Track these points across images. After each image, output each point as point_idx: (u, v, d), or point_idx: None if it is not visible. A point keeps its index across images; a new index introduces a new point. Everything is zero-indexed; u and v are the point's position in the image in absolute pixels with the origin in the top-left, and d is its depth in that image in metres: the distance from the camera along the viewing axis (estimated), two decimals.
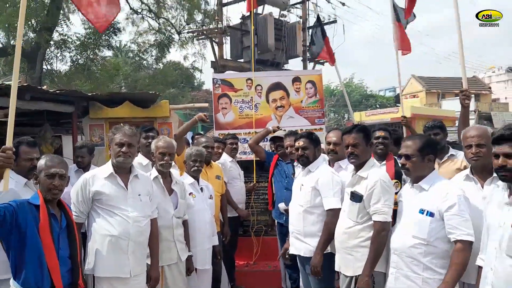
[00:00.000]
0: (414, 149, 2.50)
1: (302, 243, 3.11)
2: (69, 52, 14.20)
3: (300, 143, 3.19)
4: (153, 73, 15.21)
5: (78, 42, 13.91)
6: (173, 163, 4.35)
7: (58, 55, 14.23)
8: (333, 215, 2.95)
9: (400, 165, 2.52)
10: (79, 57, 14.21)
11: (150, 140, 3.68)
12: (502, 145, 2.00)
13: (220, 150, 4.72)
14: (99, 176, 2.79)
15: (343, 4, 13.69)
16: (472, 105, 19.84)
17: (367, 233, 2.67)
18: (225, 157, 4.90)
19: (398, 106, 26.14)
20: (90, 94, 5.51)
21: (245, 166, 5.30)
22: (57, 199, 2.48)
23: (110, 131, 2.93)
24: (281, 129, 5.10)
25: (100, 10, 2.98)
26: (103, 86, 13.89)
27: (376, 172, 2.73)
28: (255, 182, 5.33)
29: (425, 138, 2.62)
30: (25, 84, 4.39)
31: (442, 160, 3.66)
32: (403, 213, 2.56)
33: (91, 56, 14.25)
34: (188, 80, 26.90)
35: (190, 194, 3.64)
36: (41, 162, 2.49)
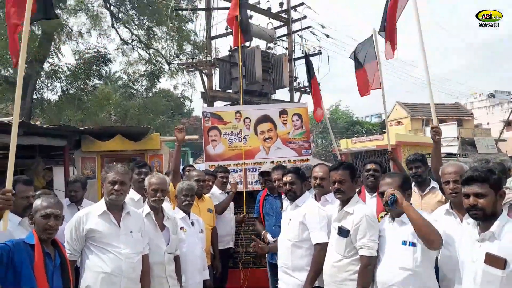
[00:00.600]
0: (396, 186, 2.66)
1: (290, 277, 3.21)
2: (60, 82, 14.31)
3: (288, 178, 3.33)
4: (143, 102, 15.34)
5: (68, 72, 14.05)
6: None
7: (49, 85, 14.35)
8: (320, 249, 3.07)
9: (384, 202, 2.65)
10: (69, 87, 14.32)
11: (143, 176, 3.78)
12: (472, 185, 2.18)
13: (210, 183, 4.81)
14: (93, 214, 2.89)
15: (328, 36, 14.22)
16: (455, 131, 20.40)
17: (355, 267, 2.79)
18: (215, 190, 4.99)
19: (384, 132, 26.67)
20: (82, 128, 5.61)
21: (236, 197, 5.38)
22: (51, 239, 2.56)
23: (103, 169, 3.04)
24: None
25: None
26: (93, 115, 13.95)
27: (362, 208, 2.87)
28: (245, 213, 5.40)
29: (403, 175, 2.79)
30: (19, 120, 4.46)
31: (424, 193, 3.81)
32: (386, 247, 2.69)
33: (81, 86, 14.38)
34: (178, 108, 27.14)
35: (181, 228, 3.71)
36: (37, 202, 2.58)
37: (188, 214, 3.83)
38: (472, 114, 32.90)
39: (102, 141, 5.83)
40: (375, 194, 3.63)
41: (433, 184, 3.82)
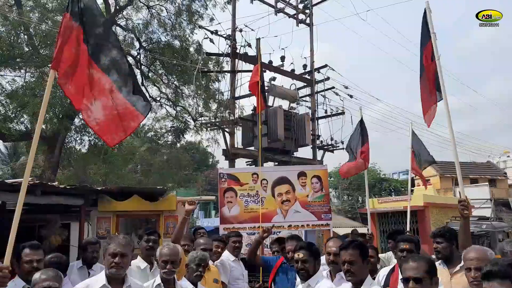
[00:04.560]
0: (423, 271, 2.40)
1: None
2: (88, 136, 14.85)
3: (300, 255, 3.12)
4: (167, 157, 15.60)
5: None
6: None
7: (77, 139, 14.89)
8: None
9: None
10: (97, 141, 14.81)
11: (151, 244, 3.69)
12: (491, 281, 1.96)
13: (219, 250, 4.62)
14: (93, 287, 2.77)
15: (351, 96, 14.32)
16: (487, 193, 19.46)
17: None
18: (227, 256, 4.77)
19: (412, 191, 25.80)
20: (99, 188, 5.65)
21: (250, 264, 5.14)
22: None
23: (105, 241, 2.96)
24: (272, 228, 5.01)
25: (114, 125, 3.09)
26: (117, 169, 14.23)
27: None
28: (261, 282, 5.12)
29: (429, 259, 2.54)
30: (37, 182, 4.56)
31: (454, 271, 3.47)
32: None
33: None
34: (202, 162, 27.48)
35: None
36: (36, 276, 2.51)
37: (196, 285, 3.64)
38: (505, 173, 31.56)
39: (118, 201, 5.82)
40: None
41: None
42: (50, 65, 3.10)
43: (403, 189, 32.99)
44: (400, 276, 3.40)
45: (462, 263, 3.49)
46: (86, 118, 3.11)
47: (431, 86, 4.07)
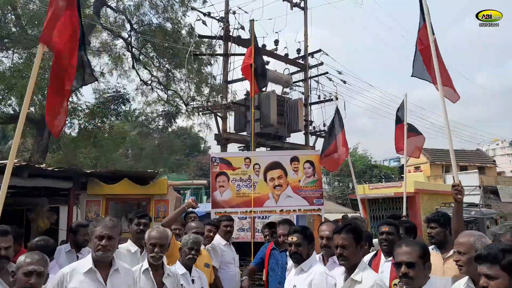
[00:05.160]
0: (416, 255, 2.38)
1: None
2: (78, 120, 14.63)
3: (294, 238, 3.07)
4: (158, 142, 15.45)
5: (87, 111, 14.37)
6: None
7: (67, 122, 14.67)
8: None
9: (400, 274, 2.36)
10: (87, 124, 14.60)
11: (141, 227, 3.61)
12: (482, 264, 1.95)
13: (211, 234, 4.57)
14: (79, 271, 2.70)
15: (344, 82, 14.23)
16: (477, 180, 19.69)
17: None
18: (218, 240, 4.72)
19: (402, 178, 26.00)
20: (88, 171, 5.54)
21: (242, 248, 5.12)
22: None
23: (91, 223, 2.88)
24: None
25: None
26: (108, 153, 14.06)
27: (371, 275, 2.61)
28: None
29: (422, 244, 2.51)
30: (24, 163, 4.44)
31: (447, 256, 3.46)
32: None
33: (99, 123, 14.64)
34: (194, 147, 27.34)
35: (180, 285, 3.48)
36: (21, 258, 2.44)
37: (190, 269, 3.60)
38: (494, 161, 31.97)
39: (108, 184, 5.73)
40: (391, 258, 3.33)
41: None
42: (38, 46, 3.04)
43: (393, 176, 33.26)
44: (383, 260, 3.41)
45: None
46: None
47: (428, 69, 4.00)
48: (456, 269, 3.25)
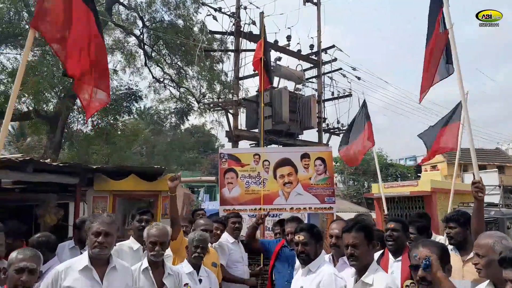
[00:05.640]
0: (434, 258, 2.19)
1: None
2: (91, 117, 14.66)
3: (300, 237, 2.90)
4: (171, 139, 15.41)
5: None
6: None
7: (80, 119, 14.73)
8: None
9: (418, 278, 2.18)
10: (99, 121, 14.64)
11: (143, 224, 3.49)
12: (507, 269, 1.78)
13: (218, 232, 4.43)
14: (74, 269, 2.58)
15: (359, 78, 13.94)
16: (496, 179, 19.11)
17: None
18: (226, 238, 4.58)
19: (418, 177, 25.47)
20: (95, 166, 5.46)
21: (249, 247, 4.96)
22: None
23: (88, 219, 2.76)
24: (274, 211, 4.84)
25: (94, 98, 3.02)
26: (120, 150, 14.08)
27: (383, 278, 2.42)
28: (262, 265, 4.93)
29: (441, 245, 2.32)
30: (28, 158, 4.37)
31: (467, 258, 3.18)
32: None
33: (111, 121, 14.67)
34: (207, 145, 27.33)
35: (185, 285, 3.33)
36: (13, 255, 2.33)
37: (198, 268, 3.45)
38: None
39: (115, 180, 5.64)
40: (400, 257, 3.13)
41: None
42: (50, 44, 2.99)
43: (409, 175, 32.65)
44: (391, 260, 3.20)
45: None
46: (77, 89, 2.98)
47: (436, 61, 3.79)
48: (477, 273, 3.06)
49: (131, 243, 3.58)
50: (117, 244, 3.56)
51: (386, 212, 5.59)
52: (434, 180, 14.27)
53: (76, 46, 2.97)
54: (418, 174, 29.32)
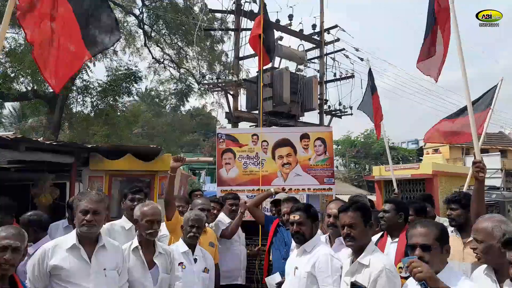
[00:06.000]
0: (432, 238, 2.09)
1: None
2: (90, 98, 14.53)
3: (296, 217, 2.81)
4: (171, 121, 15.28)
5: (99, 88, 14.26)
6: (163, 227, 4.05)
7: (79, 99, 14.60)
8: None
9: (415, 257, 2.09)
10: (99, 102, 14.51)
11: (136, 203, 3.40)
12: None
13: (215, 211, 4.38)
14: (61, 247, 2.50)
15: (362, 59, 13.68)
16: (499, 163, 18.99)
17: None
18: (223, 218, 4.53)
19: (420, 160, 25.36)
20: (90, 146, 5.36)
21: (248, 227, 4.90)
22: (8, 275, 2.19)
23: (75, 197, 2.67)
24: (285, 191, 4.74)
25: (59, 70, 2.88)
26: (120, 132, 13.99)
27: (380, 259, 2.33)
28: (260, 246, 4.87)
29: (440, 226, 2.21)
30: (20, 136, 4.27)
31: (468, 240, 3.08)
32: None
33: (111, 102, 14.53)
34: (208, 126, 27.21)
35: (180, 264, 3.28)
36: None
37: (193, 248, 3.39)
38: None
39: (111, 160, 5.55)
40: (397, 239, 3.05)
41: None
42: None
43: (411, 158, 32.57)
44: (389, 241, 3.12)
45: None
46: (36, 54, 2.84)
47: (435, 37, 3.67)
48: None
49: (123, 222, 3.51)
50: (108, 223, 3.49)
51: (396, 190, 5.49)
52: (436, 163, 14.18)
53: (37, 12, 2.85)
54: (420, 158, 29.22)
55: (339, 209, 2.54)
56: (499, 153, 20.55)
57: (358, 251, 2.39)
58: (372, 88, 6.42)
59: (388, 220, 3.11)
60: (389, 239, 3.16)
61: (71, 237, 2.55)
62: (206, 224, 4.09)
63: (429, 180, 12.93)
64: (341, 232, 2.46)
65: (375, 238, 3.27)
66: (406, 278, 2.57)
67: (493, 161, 17.87)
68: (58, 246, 2.51)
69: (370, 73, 6.53)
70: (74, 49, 2.84)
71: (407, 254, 2.89)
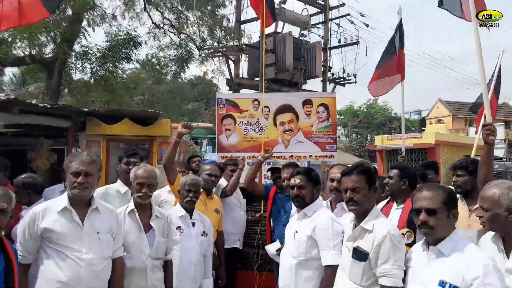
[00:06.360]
0: (439, 201, 1.98)
1: None
2: (90, 64, 14.25)
3: (296, 180, 2.71)
4: (171, 88, 15.02)
5: (99, 54, 13.95)
6: (167, 191, 3.99)
7: (79, 65, 14.32)
8: (332, 272, 2.45)
9: (419, 222, 2.00)
10: (98, 68, 14.23)
11: (131, 167, 3.29)
12: None
13: (218, 177, 4.29)
14: (52, 210, 2.41)
15: (367, 25, 13.26)
16: (502, 134, 18.82)
17: None
18: (223, 184, 4.45)
19: (423, 130, 25.20)
20: (86, 109, 5.21)
21: (249, 193, 4.84)
22: None
23: (66, 158, 2.55)
24: (273, 155, 4.66)
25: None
26: (119, 98, 13.80)
27: (384, 224, 2.23)
28: (262, 212, 4.82)
29: (448, 189, 2.10)
30: (13, 97, 4.12)
31: (474, 207, 3.00)
32: (414, 283, 2.03)
33: (110, 68, 14.25)
34: (208, 95, 26.91)
35: (177, 228, 3.23)
36: None
37: (191, 212, 3.32)
38: None
39: (109, 124, 5.42)
40: (402, 205, 2.96)
41: None
42: None
43: (413, 129, 32.38)
44: (394, 207, 3.02)
45: None
46: None
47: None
48: None
49: (119, 186, 3.42)
50: (103, 187, 3.41)
51: (403, 154, 5.35)
52: (438, 133, 14.03)
53: None
54: (423, 128, 29.05)
55: (342, 172, 2.42)
56: (503, 123, 20.32)
57: (361, 216, 2.29)
58: (400, 40, 5.69)
59: (392, 186, 3.01)
60: (394, 205, 3.07)
61: (62, 200, 2.46)
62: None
63: (431, 150, 12.85)
64: (344, 196, 2.35)
65: (381, 205, 3.19)
66: (410, 245, 2.50)
67: (497, 132, 17.69)
68: (49, 209, 2.42)
69: (400, 26, 5.77)
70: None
71: (411, 220, 2.82)
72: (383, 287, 2.12)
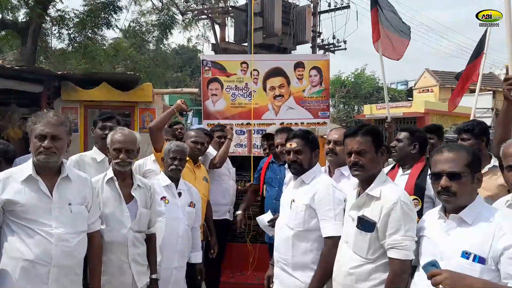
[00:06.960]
0: (463, 164, 1.73)
1: (290, 277, 2.37)
2: (67, 30, 13.49)
3: (293, 144, 2.43)
4: (153, 55, 14.42)
5: (76, 20, 13.18)
6: (152, 160, 3.71)
7: (55, 32, 13.55)
8: (333, 244, 2.22)
9: (439, 188, 1.74)
10: (77, 35, 13.50)
11: (107, 132, 2.97)
12: None
13: (205, 144, 4.01)
14: (15, 179, 2.09)
15: None
16: (490, 103, 18.86)
17: (382, 274, 1.96)
18: (211, 151, 4.19)
19: (410, 100, 25.16)
20: (60, 72, 4.79)
21: (239, 162, 4.60)
22: None
23: (29, 119, 2.21)
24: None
25: None
26: (99, 65, 13.17)
27: (393, 190, 1.99)
28: (252, 181, 4.58)
29: (472, 150, 1.83)
30: None
31: (483, 171, 2.86)
32: (432, 256, 1.81)
33: (89, 34, 13.53)
34: (192, 62, 26.15)
35: (162, 198, 2.97)
36: None
37: (177, 181, 3.06)
38: None
39: (85, 90, 5.02)
40: (408, 171, 2.73)
41: (495, 162, 2.85)
42: None
43: (400, 99, 32.34)
44: (399, 173, 2.80)
45: (492, 163, 2.89)
46: None
47: None
48: (493, 188, 2.72)
49: (94, 153, 3.11)
50: (77, 154, 3.10)
51: (389, 119, 5.07)
52: (428, 102, 13.95)
53: None
54: (409, 99, 29.02)
55: (345, 133, 2.14)
56: (491, 92, 20.38)
57: (366, 182, 2.04)
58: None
59: (401, 150, 2.77)
60: (400, 171, 2.84)
61: (27, 168, 2.13)
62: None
63: (420, 119, 12.79)
64: (347, 160, 2.08)
65: (387, 169, 2.96)
66: (417, 214, 2.28)
67: (485, 101, 17.75)
68: (12, 178, 2.09)
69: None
70: None
71: (419, 186, 2.59)
72: (392, 260, 1.90)
